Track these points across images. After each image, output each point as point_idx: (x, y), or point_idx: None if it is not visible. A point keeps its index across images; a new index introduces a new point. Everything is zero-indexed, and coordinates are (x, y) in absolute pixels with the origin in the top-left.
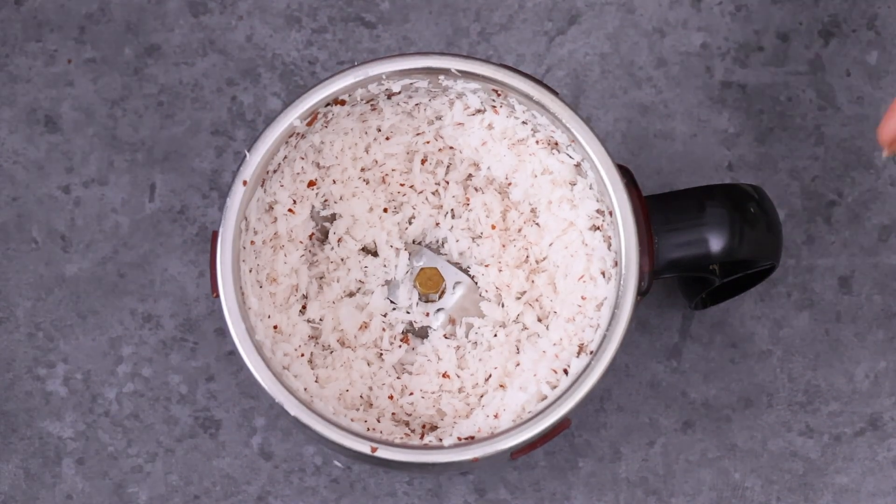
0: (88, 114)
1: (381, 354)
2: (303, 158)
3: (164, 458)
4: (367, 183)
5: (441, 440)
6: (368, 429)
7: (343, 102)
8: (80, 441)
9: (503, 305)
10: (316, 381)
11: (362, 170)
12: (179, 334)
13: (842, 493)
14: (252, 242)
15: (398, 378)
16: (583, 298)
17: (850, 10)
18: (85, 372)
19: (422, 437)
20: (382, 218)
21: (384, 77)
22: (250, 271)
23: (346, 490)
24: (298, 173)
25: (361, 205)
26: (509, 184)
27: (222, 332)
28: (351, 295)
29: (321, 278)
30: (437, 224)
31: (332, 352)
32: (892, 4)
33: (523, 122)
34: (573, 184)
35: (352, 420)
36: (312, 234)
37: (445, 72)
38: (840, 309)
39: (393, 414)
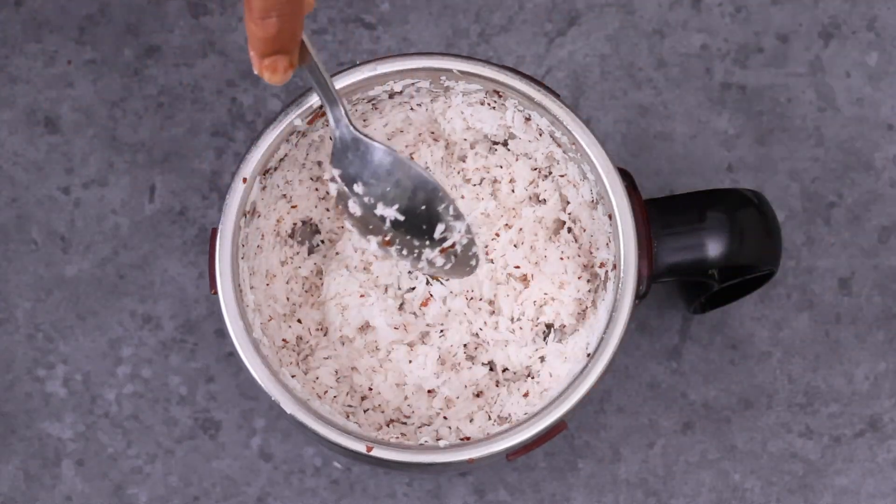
0: (88, 115)
1: (380, 352)
2: (304, 156)
3: (164, 459)
4: None
5: (438, 441)
6: (364, 427)
7: None
8: (80, 442)
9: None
10: (314, 380)
11: None
12: (179, 335)
13: (842, 494)
14: (251, 238)
15: (396, 379)
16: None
17: (849, 12)
18: (84, 373)
19: (417, 437)
20: None
21: (386, 76)
22: (249, 269)
23: (346, 491)
24: (299, 171)
25: None
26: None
27: (222, 333)
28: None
29: (319, 276)
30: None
31: (332, 350)
32: (891, 6)
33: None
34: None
35: (348, 419)
36: (312, 230)
37: (447, 72)
38: (840, 310)
39: (384, 412)
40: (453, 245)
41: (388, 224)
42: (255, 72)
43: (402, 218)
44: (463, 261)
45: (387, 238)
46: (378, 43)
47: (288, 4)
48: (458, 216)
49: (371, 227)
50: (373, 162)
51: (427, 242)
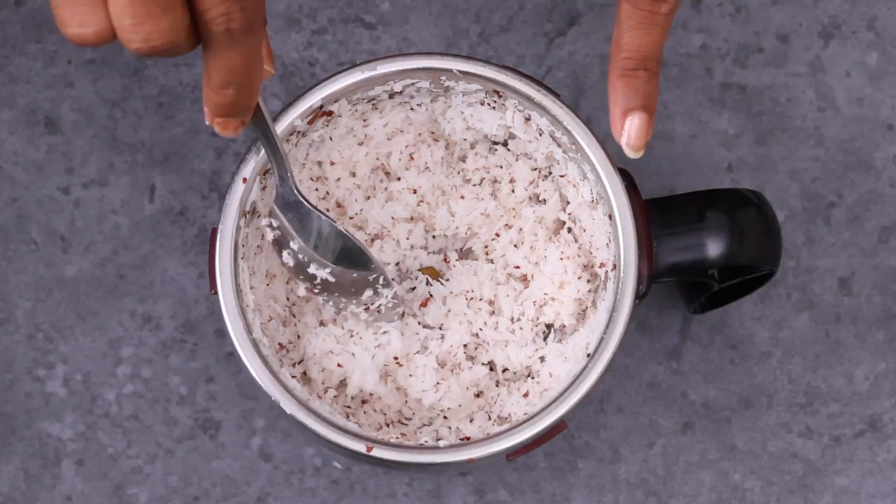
0: (88, 115)
1: (379, 349)
2: (304, 156)
3: (164, 459)
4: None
5: (438, 441)
6: (364, 428)
7: (330, 113)
8: (80, 442)
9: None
10: (314, 380)
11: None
12: (179, 335)
13: (842, 494)
14: (251, 239)
15: (395, 378)
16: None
17: (849, 12)
18: (84, 373)
19: (417, 437)
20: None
21: (386, 76)
22: (249, 269)
23: (346, 491)
24: (299, 171)
25: (361, 203)
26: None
27: (222, 333)
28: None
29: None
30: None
31: (331, 350)
32: (891, 6)
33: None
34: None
35: (348, 419)
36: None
37: (447, 72)
38: (840, 310)
39: (385, 413)
40: (378, 306)
41: (318, 280)
42: (207, 122)
43: (332, 280)
44: (386, 316)
45: (315, 291)
46: (378, 43)
47: (247, 78)
48: (388, 285)
49: (301, 276)
50: (311, 227)
51: (353, 301)
